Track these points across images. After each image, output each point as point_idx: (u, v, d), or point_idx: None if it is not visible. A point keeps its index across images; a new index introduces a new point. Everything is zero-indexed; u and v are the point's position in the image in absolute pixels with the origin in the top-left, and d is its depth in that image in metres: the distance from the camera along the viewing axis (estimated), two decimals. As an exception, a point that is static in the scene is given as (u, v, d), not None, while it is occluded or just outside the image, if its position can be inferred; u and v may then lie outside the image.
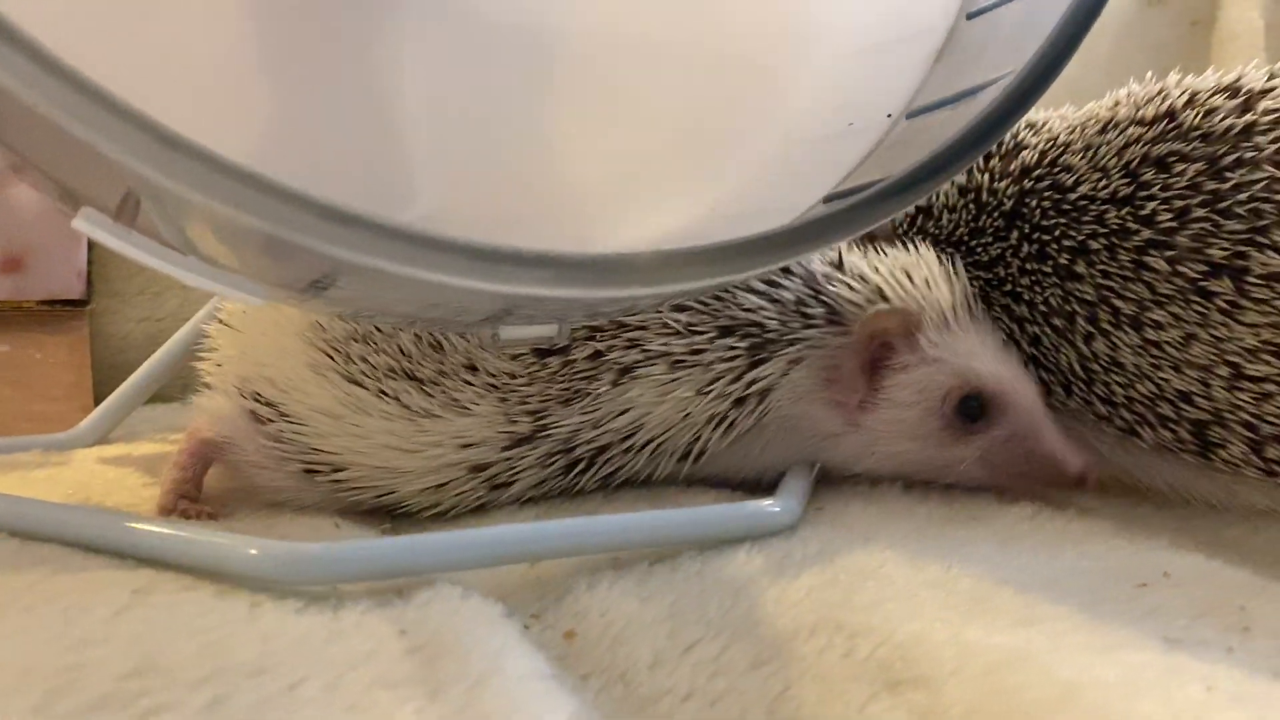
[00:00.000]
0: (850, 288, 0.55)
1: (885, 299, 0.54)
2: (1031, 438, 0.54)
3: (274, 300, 0.39)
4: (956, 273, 0.56)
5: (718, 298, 0.55)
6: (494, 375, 0.55)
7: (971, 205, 0.59)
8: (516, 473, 0.56)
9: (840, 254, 0.56)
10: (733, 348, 0.54)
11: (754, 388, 0.55)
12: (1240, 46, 1.22)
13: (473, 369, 0.55)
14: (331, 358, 0.56)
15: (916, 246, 0.57)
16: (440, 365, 0.55)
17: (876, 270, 0.55)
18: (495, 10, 0.51)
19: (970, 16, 0.48)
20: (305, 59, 0.49)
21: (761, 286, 0.55)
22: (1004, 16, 0.46)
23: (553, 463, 0.56)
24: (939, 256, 0.57)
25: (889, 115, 0.47)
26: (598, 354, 0.55)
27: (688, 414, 0.55)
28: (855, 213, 0.36)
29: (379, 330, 0.56)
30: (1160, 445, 0.53)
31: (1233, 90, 0.52)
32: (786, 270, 0.55)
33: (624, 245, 0.49)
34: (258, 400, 0.58)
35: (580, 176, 0.52)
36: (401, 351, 0.56)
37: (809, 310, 0.55)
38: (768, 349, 0.54)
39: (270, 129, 0.47)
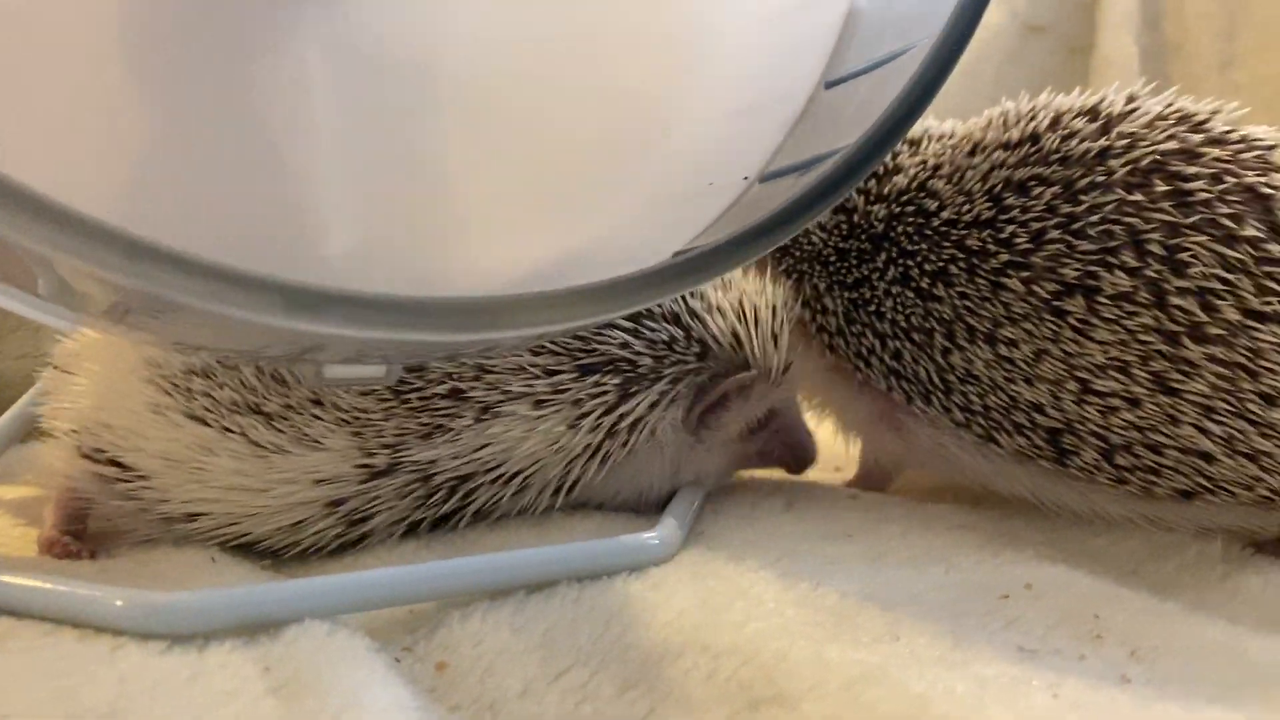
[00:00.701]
0: (715, 324, 0.58)
1: (742, 346, 0.58)
2: (790, 434, 0.64)
3: (81, 324, 0.38)
4: (789, 311, 0.61)
5: (579, 338, 0.56)
6: (345, 410, 0.54)
7: (844, 225, 0.60)
8: (375, 506, 0.55)
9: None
10: (600, 384, 0.55)
11: (625, 420, 0.56)
12: (1116, 72, 1.27)
13: (319, 403, 0.54)
14: (170, 395, 0.54)
15: (767, 284, 0.61)
16: (286, 399, 0.54)
17: (739, 312, 0.58)
18: (380, 43, 0.51)
19: (829, 85, 0.49)
20: (181, 96, 0.48)
21: (628, 324, 0.56)
22: (859, 86, 0.47)
23: (411, 491, 0.55)
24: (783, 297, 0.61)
25: (746, 178, 0.48)
26: (458, 391, 0.54)
27: (559, 446, 0.56)
28: (690, 265, 0.37)
29: (220, 364, 0.55)
30: (1019, 451, 0.55)
31: (1093, 113, 0.54)
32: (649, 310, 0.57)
33: (488, 282, 0.50)
34: (98, 457, 0.56)
35: (458, 209, 0.52)
36: (244, 385, 0.54)
37: (679, 347, 0.57)
38: (639, 383, 0.56)
39: (142, 168, 0.46)
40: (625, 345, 0.56)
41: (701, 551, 0.51)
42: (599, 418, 0.55)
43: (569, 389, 0.55)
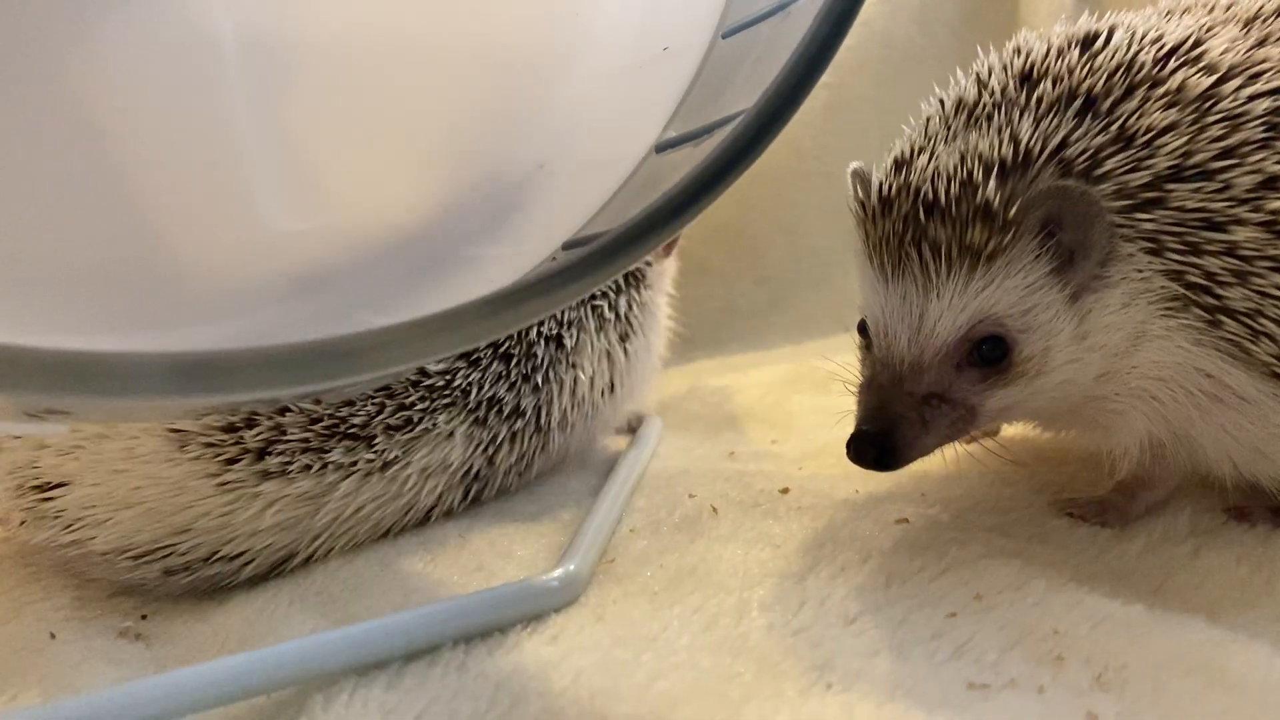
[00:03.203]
0: None
1: None
2: None
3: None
4: None
5: None
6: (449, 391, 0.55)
7: None
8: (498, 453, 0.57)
9: None
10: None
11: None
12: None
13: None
14: (234, 469, 0.49)
15: None
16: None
17: None
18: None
19: (727, 35, 0.43)
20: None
21: None
22: (757, 36, 0.41)
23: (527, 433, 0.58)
24: None
25: (642, 148, 0.42)
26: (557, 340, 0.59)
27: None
28: (576, 270, 0.31)
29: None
30: None
31: None
32: None
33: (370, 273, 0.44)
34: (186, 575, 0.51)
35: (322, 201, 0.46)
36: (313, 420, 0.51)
37: None
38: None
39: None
40: None
41: (610, 587, 0.45)
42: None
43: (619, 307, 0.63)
